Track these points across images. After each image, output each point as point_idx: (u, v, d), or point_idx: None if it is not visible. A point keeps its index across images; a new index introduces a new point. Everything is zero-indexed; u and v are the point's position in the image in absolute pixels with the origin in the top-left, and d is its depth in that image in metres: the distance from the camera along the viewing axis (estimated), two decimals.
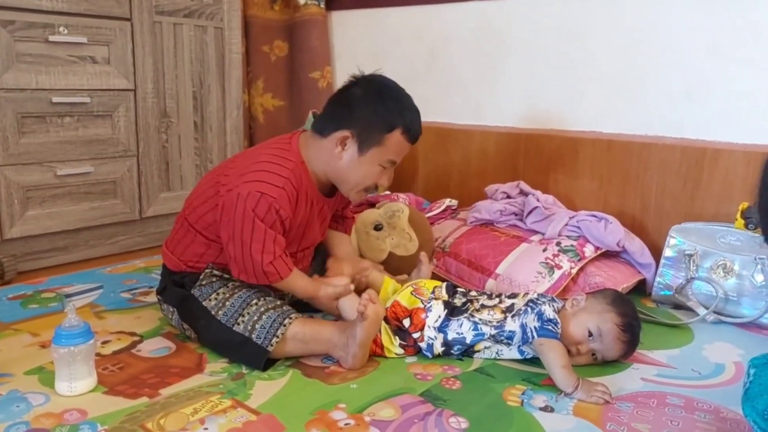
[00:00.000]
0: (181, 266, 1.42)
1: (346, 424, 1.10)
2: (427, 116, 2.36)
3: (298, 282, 1.40)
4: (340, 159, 1.39)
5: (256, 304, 1.32)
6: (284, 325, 1.28)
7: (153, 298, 1.65)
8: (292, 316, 1.31)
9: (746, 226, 1.61)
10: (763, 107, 1.70)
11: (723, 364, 1.37)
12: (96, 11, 1.90)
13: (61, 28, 1.84)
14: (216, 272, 1.39)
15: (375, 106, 1.37)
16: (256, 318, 1.29)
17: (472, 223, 1.94)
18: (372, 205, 2.02)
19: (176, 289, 1.41)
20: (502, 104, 2.19)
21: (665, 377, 1.31)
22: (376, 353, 1.35)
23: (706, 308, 1.61)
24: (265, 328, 1.28)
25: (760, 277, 1.57)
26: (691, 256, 1.67)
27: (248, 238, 1.29)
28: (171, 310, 1.41)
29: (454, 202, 2.10)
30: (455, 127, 2.29)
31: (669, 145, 1.83)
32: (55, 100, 1.84)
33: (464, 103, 2.29)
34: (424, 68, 2.36)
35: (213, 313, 1.33)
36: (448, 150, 2.30)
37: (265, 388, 1.21)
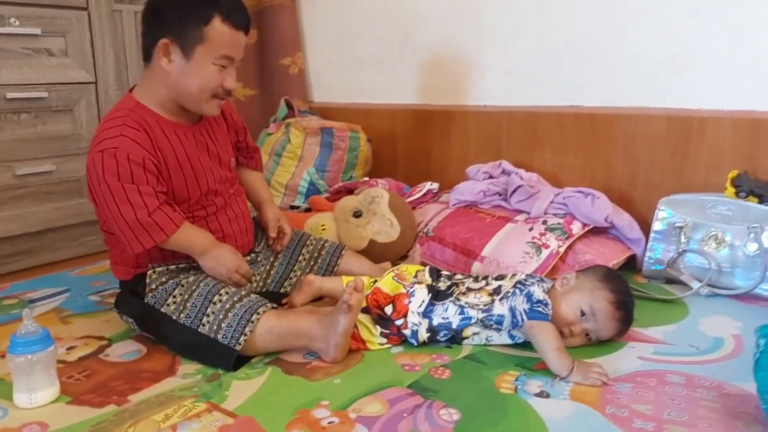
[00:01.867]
0: (129, 272, 1.33)
1: (329, 423, 1.02)
2: (403, 98, 2.31)
3: (192, 237, 1.26)
4: (171, 72, 1.24)
5: (220, 300, 1.23)
6: (252, 322, 1.19)
7: None
8: (260, 310, 1.21)
9: (737, 194, 1.56)
10: (748, 71, 1.65)
11: (721, 337, 1.32)
12: (49, 0, 1.79)
13: (11, 20, 1.73)
14: (159, 269, 1.30)
15: (182, 2, 1.23)
16: (221, 317, 1.20)
17: (454, 205, 1.87)
18: (350, 191, 1.95)
19: (131, 298, 1.32)
20: (481, 82, 2.12)
21: (663, 354, 1.25)
22: (359, 349, 1.27)
23: (700, 281, 1.56)
24: (231, 326, 1.19)
25: (753, 247, 1.52)
26: (681, 228, 1.62)
27: (113, 204, 1.18)
28: (131, 320, 1.33)
29: (435, 185, 2.03)
30: (433, 108, 2.21)
31: (654, 115, 1.77)
32: (9, 96, 1.74)
33: (441, 83, 2.21)
34: (398, 49, 2.28)
35: (174, 318, 1.24)
36: (427, 132, 2.22)
37: (242, 388, 1.14)
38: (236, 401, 1.09)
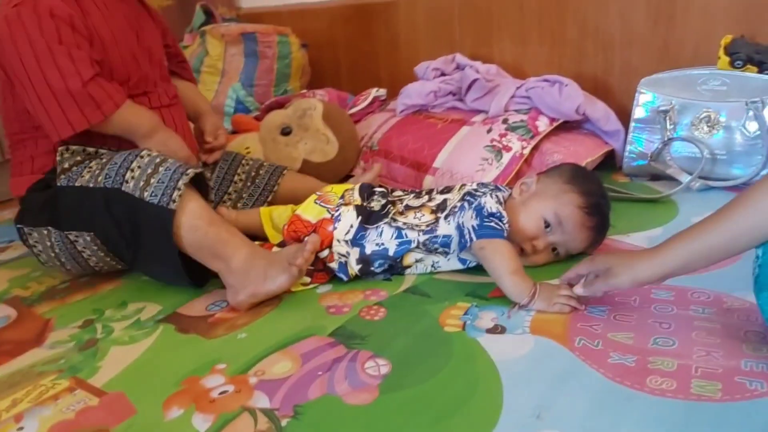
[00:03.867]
0: (36, 177, 1.08)
1: (221, 393, 0.80)
2: None
3: (137, 116, 1.04)
4: None
5: (149, 155, 0.98)
6: (186, 174, 0.95)
7: (10, 254, 1.33)
8: (189, 171, 0.97)
9: (732, 63, 1.28)
10: None
11: None
12: None
13: None
14: (74, 147, 1.04)
15: None
16: (150, 170, 0.96)
17: (402, 112, 1.59)
18: (280, 106, 1.67)
19: (37, 195, 1.06)
20: None
21: None
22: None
23: (690, 174, 1.31)
24: (163, 182, 0.95)
25: (753, 126, 1.27)
26: (666, 112, 1.35)
27: (36, 71, 0.93)
28: (44, 233, 1.06)
29: (383, 92, 1.74)
30: (374, 0, 1.89)
31: None
32: None
33: None
34: None
35: (92, 185, 0.98)
36: (370, 31, 1.91)
37: (120, 356, 0.90)
38: (109, 373, 0.86)
